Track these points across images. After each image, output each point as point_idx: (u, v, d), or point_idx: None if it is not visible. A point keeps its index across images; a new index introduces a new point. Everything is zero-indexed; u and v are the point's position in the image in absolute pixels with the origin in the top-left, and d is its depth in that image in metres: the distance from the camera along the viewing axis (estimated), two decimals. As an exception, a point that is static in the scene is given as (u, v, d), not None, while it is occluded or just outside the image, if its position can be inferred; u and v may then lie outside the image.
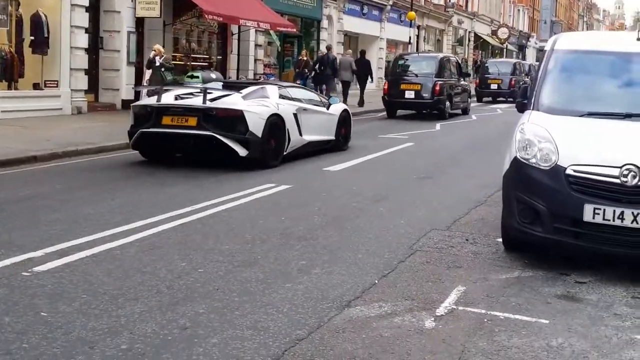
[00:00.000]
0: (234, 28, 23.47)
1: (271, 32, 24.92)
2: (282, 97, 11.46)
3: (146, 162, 10.87)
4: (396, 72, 22.08)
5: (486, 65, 33.32)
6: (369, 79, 24.64)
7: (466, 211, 8.04)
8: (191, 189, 8.73)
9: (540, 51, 75.12)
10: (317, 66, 23.05)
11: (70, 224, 6.76)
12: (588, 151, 5.44)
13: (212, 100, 10.51)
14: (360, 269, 5.63)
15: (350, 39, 34.88)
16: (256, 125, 10.33)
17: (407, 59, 23.22)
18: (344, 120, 13.27)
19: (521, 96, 6.62)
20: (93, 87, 19.10)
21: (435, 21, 45.61)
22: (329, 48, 24.78)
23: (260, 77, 24.64)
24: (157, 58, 16.78)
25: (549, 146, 5.54)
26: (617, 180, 5.21)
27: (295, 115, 11.35)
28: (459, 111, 23.34)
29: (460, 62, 26.32)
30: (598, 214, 5.24)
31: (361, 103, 24.11)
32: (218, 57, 23.97)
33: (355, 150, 13.30)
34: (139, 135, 10.56)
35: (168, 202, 7.87)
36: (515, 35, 66.35)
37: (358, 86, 24.72)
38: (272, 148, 10.74)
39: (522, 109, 6.50)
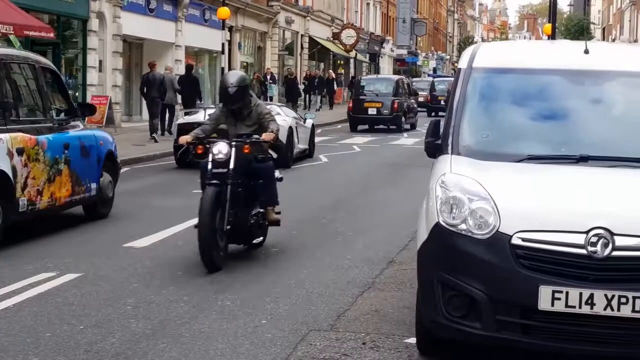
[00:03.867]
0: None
1: (11, 37, 24.33)
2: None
3: None
4: (359, 92, 37.05)
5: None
6: (198, 101, 27.79)
7: (351, 300, 8.21)
8: None
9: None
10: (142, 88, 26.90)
11: None
12: (540, 211, 5.72)
13: None
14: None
15: (132, 47, 34.78)
16: (282, 135, 17.84)
17: (368, 81, 39.91)
18: (312, 132, 23.25)
19: (432, 134, 6.87)
20: None
21: (254, 20, 46.45)
22: (152, 65, 27.57)
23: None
24: None
25: (484, 206, 5.77)
26: (583, 251, 5.50)
27: (295, 128, 21.19)
28: (408, 126, 36.88)
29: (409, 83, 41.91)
30: (558, 298, 5.50)
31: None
32: None
33: (163, 207, 13.28)
34: (186, 148, 18.39)
35: None
36: (364, 40, 68.99)
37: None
38: (288, 153, 20.10)
39: (434, 152, 6.78)
